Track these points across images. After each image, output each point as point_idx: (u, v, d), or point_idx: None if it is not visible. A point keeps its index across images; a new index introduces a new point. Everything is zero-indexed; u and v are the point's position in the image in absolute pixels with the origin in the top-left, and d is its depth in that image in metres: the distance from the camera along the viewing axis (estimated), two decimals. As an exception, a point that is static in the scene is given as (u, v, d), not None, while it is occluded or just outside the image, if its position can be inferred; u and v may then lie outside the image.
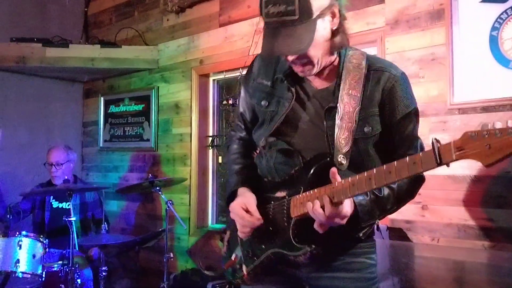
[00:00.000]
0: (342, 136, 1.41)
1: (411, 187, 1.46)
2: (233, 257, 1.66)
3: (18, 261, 2.77)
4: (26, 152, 4.68)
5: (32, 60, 4.36)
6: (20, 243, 2.80)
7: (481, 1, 2.64)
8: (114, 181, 4.82)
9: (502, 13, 2.57)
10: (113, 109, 4.94)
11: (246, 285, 1.65)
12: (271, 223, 1.51)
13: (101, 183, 4.87)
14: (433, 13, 2.84)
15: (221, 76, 4.17)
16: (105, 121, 5.01)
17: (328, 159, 1.41)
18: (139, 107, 4.66)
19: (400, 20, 2.97)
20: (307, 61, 1.42)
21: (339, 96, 1.44)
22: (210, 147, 4.25)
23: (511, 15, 2.54)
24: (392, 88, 1.45)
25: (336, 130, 1.42)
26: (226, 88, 4.19)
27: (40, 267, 2.87)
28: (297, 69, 1.47)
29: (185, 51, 4.29)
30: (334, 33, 1.42)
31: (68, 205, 3.09)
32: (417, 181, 1.48)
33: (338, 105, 1.44)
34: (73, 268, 2.86)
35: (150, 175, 3.48)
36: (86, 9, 5.34)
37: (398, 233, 2.86)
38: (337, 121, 1.43)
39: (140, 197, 4.58)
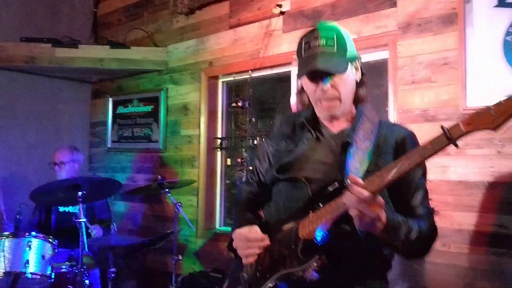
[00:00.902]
0: (355, 166, 1.48)
1: (428, 236, 1.49)
2: None
3: (27, 261, 2.77)
4: (35, 151, 4.70)
5: (41, 60, 4.38)
6: (29, 243, 2.80)
7: (495, 6, 2.62)
8: (122, 182, 4.81)
9: (516, 18, 2.55)
10: (121, 109, 4.94)
11: None
12: (276, 253, 1.50)
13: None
14: (445, 17, 2.82)
15: (230, 78, 4.16)
16: (113, 122, 5.02)
17: (339, 185, 1.42)
18: (148, 108, 4.66)
19: (412, 23, 2.95)
20: (336, 96, 1.57)
21: (354, 136, 1.55)
22: (219, 149, 4.24)
23: (525, 20, 2.52)
24: (405, 139, 1.55)
25: (350, 161, 1.49)
26: (235, 90, 4.18)
27: (49, 268, 2.87)
28: (325, 104, 1.59)
29: (194, 52, 4.29)
30: (357, 85, 1.63)
31: (75, 209, 3.07)
32: (433, 233, 1.52)
33: (353, 142, 1.54)
34: (82, 269, 2.86)
35: (159, 176, 3.47)
36: (95, 10, 5.34)
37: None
38: (351, 154, 1.51)
39: (148, 198, 4.58)
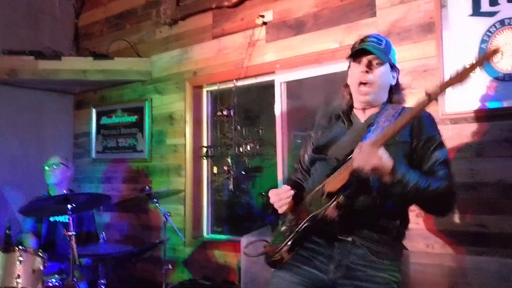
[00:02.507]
0: (373, 137, 1.72)
1: (443, 192, 1.71)
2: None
3: (18, 276, 2.76)
4: (19, 164, 4.67)
5: (24, 72, 4.37)
6: (20, 258, 2.80)
7: (470, 15, 2.74)
8: (108, 192, 4.80)
9: (491, 27, 2.66)
10: (105, 120, 4.94)
11: (282, 264, 1.85)
12: (308, 204, 1.81)
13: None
14: (424, 26, 2.93)
15: (215, 87, 4.21)
16: (98, 132, 5.01)
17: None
18: (132, 118, 4.67)
19: (392, 32, 3.05)
20: (372, 80, 1.86)
21: (377, 119, 1.85)
22: (205, 158, 4.28)
23: (499, 28, 2.64)
24: (422, 117, 1.82)
25: (369, 135, 1.78)
26: (220, 99, 4.22)
27: (40, 282, 2.87)
28: (362, 90, 1.88)
29: (178, 62, 4.33)
30: (392, 88, 1.95)
31: (65, 219, 3.07)
32: (450, 192, 1.75)
33: (375, 123, 1.83)
34: (73, 282, 2.86)
35: (147, 187, 3.50)
36: (76, 21, 5.34)
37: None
38: (371, 130, 1.80)
39: (134, 208, 4.58)
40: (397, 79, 1.97)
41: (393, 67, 1.94)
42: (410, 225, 2.87)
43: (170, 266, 3.35)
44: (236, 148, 3.94)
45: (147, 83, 4.60)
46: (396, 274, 1.79)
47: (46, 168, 3.86)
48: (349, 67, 1.99)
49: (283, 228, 1.90)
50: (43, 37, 4.94)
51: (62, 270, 3.14)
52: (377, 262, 1.76)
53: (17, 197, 4.36)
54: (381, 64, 1.87)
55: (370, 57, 1.86)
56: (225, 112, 4.00)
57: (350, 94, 1.99)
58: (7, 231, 2.96)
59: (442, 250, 2.79)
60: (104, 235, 3.22)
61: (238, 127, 3.97)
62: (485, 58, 1.55)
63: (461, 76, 1.54)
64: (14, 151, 4.68)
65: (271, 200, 1.88)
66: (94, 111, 5.06)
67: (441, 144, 1.83)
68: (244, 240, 3.03)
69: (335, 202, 1.68)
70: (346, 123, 1.95)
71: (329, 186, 1.74)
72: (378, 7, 3.11)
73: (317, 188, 1.81)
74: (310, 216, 1.75)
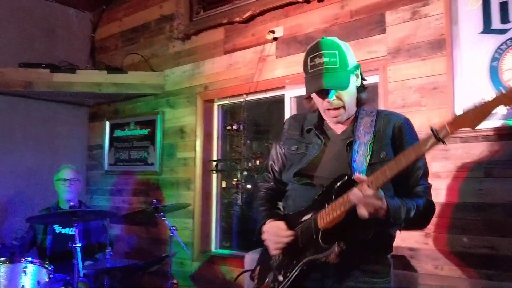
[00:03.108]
0: (360, 160, 1.71)
1: (426, 210, 1.72)
2: (265, 282, 1.83)
3: (23, 287, 2.78)
4: (33, 175, 4.73)
5: (39, 85, 4.44)
6: (25, 269, 2.82)
7: (481, 32, 2.70)
8: (118, 205, 4.85)
9: (501, 44, 2.62)
10: (118, 133, 4.99)
11: None
12: (299, 242, 1.73)
13: (105, 206, 4.91)
14: (433, 43, 2.89)
15: (225, 102, 4.23)
16: (110, 145, 5.06)
17: (347, 177, 1.66)
18: (145, 131, 4.71)
19: (401, 49, 3.02)
20: (341, 105, 1.77)
21: (356, 132, 1.78)
22: (214, 172, 4.28)
23: (510, 46, 2.59)
24: (401, 127, 1.79)
25: (354, 156, 1.72)
26: (231, 113, 4.24)
27: (45, 293, 2.88)
28: (331, 114, 1.80)
29: (190, 77, 4.36)
30: (358, 90, 1.84)
31: (72, 231, 3.09)
32: (431, 209, 1.76)
33: (356, 138, 1.77)
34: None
35: (154, 200, 3.50)
36: (93, 35, 5.43)
37: (401, 261, 2.86)
38: (355, 149, 1.74)
39: (144, 221, 4.59)
40: (361, 75, 1.85)
41: (354, 69, 1.80)
42: (418, 245, 2.84)
43: (175, 281, 3.34)
44: (246, 163, 3.92)
45: (159, 96, 4.64)
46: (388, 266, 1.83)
47: (62, 183, 3.87)
48: (309, 93, 1.85)
49: (275, 264, 1.82)
50: (59, 51, 5.04)
51: (68, 282, 3.14)
52: (370, 282, 1.74)
53: (29, 208, 4.40)
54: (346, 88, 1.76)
55: (333, 91, 1.75)
56: (235, 127, 3.99)
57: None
58: (14, 242, 2.99)
59: (451, 272, 2.72)
60: (110, 249, 3.22)
61: (248, 141, 3.96)
62: (506, 100, 1.34)
63: (475, 119, 1.37)
64: (28, 162, 4.75)
65: (266, 237, 1.82)
66: (107, 124, 5.12)
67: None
68: (247, 257, 2.99)
69: (337, 249, 1.61)
70: (322, 139, 1.85)
71: (322, 222, 1.66)
72: (388, 24, 3.09)
73: (305, 219, 1.74)
74: (306, 259, 1.70)
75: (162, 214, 3.38)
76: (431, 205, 1.76)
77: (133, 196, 4.77)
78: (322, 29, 3.42)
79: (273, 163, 2.03)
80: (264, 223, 1.85)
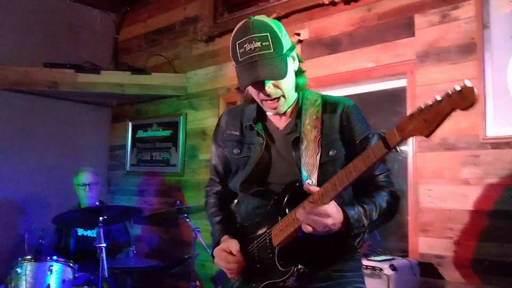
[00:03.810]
0: (309, 162, 1.52)
1: (390, 205, 1.54)
2: None
3: (48, 286, 2.81)
4: (54, 174, 4.78)
5: (64, 85, 4.49)
6: (51, 268, 2.85)
7: (513, 36, 2.64)
8: (140, 205, 4.87)
9: (535, 48, 2.56)
10: (141, 134, 5.02)
11: None
12: (257, 261, 1.58)
13: (127, 207, 4.93)
14: (464, 47, 2.84)
15: (248, 104, 4.20)
16: (133, 146, 5.09)
17: (298, 184, 1.50)
18: (167, 132, 4.73)
19: (430, 52, 2.98)
20: (281, 94, 1.54)
21: (301, 127, 1.58)
22: (236, 174, 4.26)
23: (544, 50, 2.54)
24: (349, 115, 1.60)
25: (302, 157, 1.53)
26: (253, 116, 4.22)
27: (70, 292, 2.91)
28: (270, 106, 1.57)
29: (213, 79, 4.36)
30: (296, 74, 1.60)
31: (93, 233, 3.08)
32: (394, 200, 1.56)
33: (301, 135, 1.57)
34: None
35: (178, 201, 3.51)
36: (117, 36, 5.48)
37: (428, 268, 2.82)
38: (302, 149, 1.55)
39: (164, 222, 4.61)
40: (297, 57, 1.61)
41: (290, 51, 1.56)
42: (446, 253, 2.79)
43: (198, 283, 3.33)
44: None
45: (182, 98, 4.65)
46: (362, 286, 1.64)
47: (81, 188, 3.87)
48: (243, 86, 1.56)
49: (235, 286, 1.67)
50: (82, 51, 5.09)
51: (90, 281, 3.16)
52: (340, 277, 1.58)
53: (52, 208, 4.45)
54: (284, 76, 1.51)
55: (268, 81, 1.50)
56: (257, 129, 3.97)
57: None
58: (40, 241, 3.02)
59: (479, 281, 2.66)
60: (134, 248, 3.23)
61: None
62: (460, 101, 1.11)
63: (427, 126, 1.15)
64: (50, 162, 4.80)
65: (216, 263, 1.67)
66: (130, 125, 5.15)
67: (374, 139, 1.58)
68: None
69: (296, 272, 1.47)
70: (264, 137, 1.63)
71: (276, 240, 1.49)
72: (417, 27, 3.05)
73: (259, 233, 1.58)
74: (265, 284, 1.53)
75: (186, 215, 3.38)
76: (394, 197, 1.56)
77: (155, 197, 4.79)
78: (348, 32, 3.39)
79: (216, 165, 1.80)
80: (217, 243, 1.69)
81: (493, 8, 2.73)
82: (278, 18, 3.83)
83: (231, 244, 1.62)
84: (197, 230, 3.32)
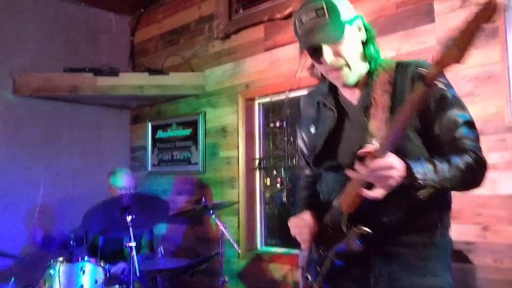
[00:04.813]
0: (377, 125, 1.48)
1: (470, 167, 1.43)
2: (305, 281, 1.73)
3: (82, 286, 2.85)
4: (80, 177, 4.85)
5: (84, 89, 4.54)
6: (83, 268, 2.89)
7: (537, 17, 2.61)
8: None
9: (561, 29, 2.52)
10: (160, 134, 5.06)
11: None
12: (329, 231, 1.60)
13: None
14: (486, 31, 2.80)
15: (267, 99, 4.21)
16: (153, 146, 5.13)
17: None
18: (187, 131, 4.76)
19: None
20: (343, 63, 1.53)
21: (373, 94, 1.54)
22: (257, 170, 4.28)
23: None
24: (418, 74, 1.46)
25: (372, 122, 1.50)
26: (272, 111, 4.23)
27: (102, 292, 2.95)
28: (334, 75, 1.57)
29: (231, 76, 4.38)
30: (363, 44, 1.59)
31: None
32: (478, 164, 1.45)
33: (372, 102, 1.53)
34: (133, 292, 2.91)
35: (203, 199, 3.53)
36: (132, 38, 5.52)
37: (458, 255, 2.80)
38: (372, 113, 1.51)
39: (189, 219, 4.64)
40: (364, 27, 1.60)
41: (352, 20, 1.56)
42: (476, 239, 2.77)
43: (226, 279, 3.36)
44: (289, 160, 3.91)
45: (200, 97, 4.67)
46: (448, 277, 1.54)
47: (121, 192, 3.76)
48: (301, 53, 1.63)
49: (314, 256, 1.69)
50: (101, 55, 5.14)
51: (121, 281, 3.20)
52: (422, 267, 1.51)
53: (77, 210, 4.50)
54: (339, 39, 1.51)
55: (325, 46, 1.51)
56: (277, 124, 3.99)
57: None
58: (72, 242, 3.06)
59: (511, 267, 2.63)
60: (161, 248, 3.26)
61: (292, 138, 3.94)
62: (484, 13, 1.12)
63: (459, 51, 1.17)
64: (74, 165, 4.87)
65: (292, 232, 1.70)
66: (150, 125, 5.19)
67: (456, 101, 1.51)
68: (301, 255, 2.97)
69: (355, 235, 1.45)
70: (335, 110, 1.63)
71: (344, 205, 1.50)
72: (437, 13, 3.02)
73: (335, 204, 1.58)
74: (333, 251, 1.56)
75: (212, 211, 3.40)
76: (478, 161, 1.44)
77: (178, 195, 4.82)
78: (368, 22, 3.36)
79: (302, 149, 1.84)
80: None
81: (515, -10, 2.70)
82: (294, 12, 3.83)
83: (304, 213, 1.69)
84: (224, 226, 3.34)
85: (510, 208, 2.65)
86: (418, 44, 3.09)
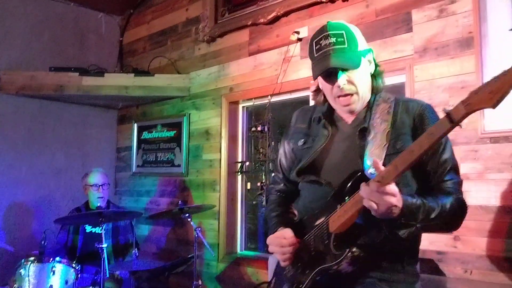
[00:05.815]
0: (374, 152, 1.51)
1: (454, 210, 1.49)
2: None
3: (51, 287, 2.84)
4: (63, 176, 4.85)
5: (69, 88, 4.54)
6: (53, 269, 2.89)
7: (510, 29, 2.61)
8: (146, 206, 4.91)
9: (533, 41, 2.53)
10: (146, 135, 5.06)
11: None
12: (312, 249, 1.59)
13: (133, 207, 4.97)
14: (462, 41, 2.82)
15: (250, 103, 4.22)
16: (138, 147, 5.14)
17: (360, 174, 1.49)
18: (171, 133, 4.76)
19: (428, 48, 2.96)
20: (354, 91, 1.59)
21: (371, 120, 1.59)
22: (239, 173, 4.28)
23: (543, 42, 2.50)
24: (422, 114, 1.58)
25: (368, 147, 1.53)
26: (255, 115, 4.24)
27: (72, 293, 2.94)
28: (342, 102, 1.61)
29: (215, 79, 4.38)
30: (372, 77, 1.66)
31: (101, 230, 3.14)
32: (460, 208, 1.52)
33: (369, 126, 1.58)
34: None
35: (180, 201, 3.53)
36: (121, 38, 5.53)
37: (429, 264, 2.80)
38: (369, 140, 1.55)
39: (171, 221, 4.64)
40: (374, 61, 1.68)
41: (366, 52, 1.63)
42: (447, 249, 2.77)
43: (200, 282, 3.35)
44: (271, 164, 3.91)
45: (185, 99, 4.68)
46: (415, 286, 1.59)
47: (94, 189, 3.87)
48: (315, 76, 1.64)
49: (288, 275, 1.67)
50: (89, 54, 5.15)
51: (96, 282, 3.20)
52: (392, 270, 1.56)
53: (59, 209, 4.51)
54: (357, 67, 1.58)
55: (341, 71, 1.56)
56: (259, 128, 3.99)
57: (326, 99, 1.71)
58: (43, 242, 3.06)
59: (481, 277, 2.63)
60: (136, 251, 3.25)
61: (273, 143, 3.95)
62: None
63: (493, 96, 1.13)
64: (58, 164, 4.87)
65: (271, 250, 1.68)
66: (135, 126, 5.19)
67: (449, 145, 1.57)
68: (271, 259, 2.98)
69: (350, 255, 1.46)
70: (330, 130, 1.68)
71: (334, 225, 1.49)
72: (414, 22, 3.03)
73: (317, 223, 1.58)
74: (318, 269, 1.54)
75: (187, 215, 3.40)
76: (461, 205, 1.52)
77: (161, 197, 4.82)
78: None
79: (282, 162, 1.86)
80: (273, 233, 1.72)
81: (490, 2, 2.70)
82: (278, 17, 3.84)
83: (285, 231, 1.66)
84: (199, 230, 3.33)
85: (480, 218, 2.65)
86: (395, 53, 3.09)
